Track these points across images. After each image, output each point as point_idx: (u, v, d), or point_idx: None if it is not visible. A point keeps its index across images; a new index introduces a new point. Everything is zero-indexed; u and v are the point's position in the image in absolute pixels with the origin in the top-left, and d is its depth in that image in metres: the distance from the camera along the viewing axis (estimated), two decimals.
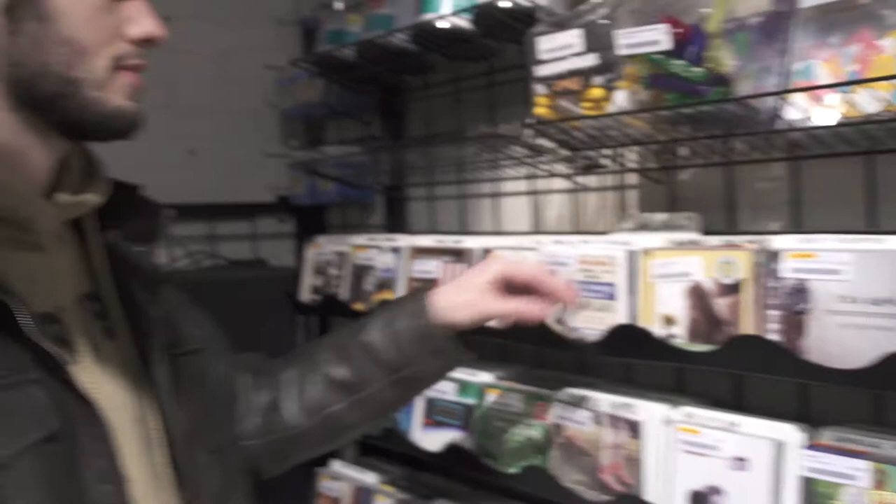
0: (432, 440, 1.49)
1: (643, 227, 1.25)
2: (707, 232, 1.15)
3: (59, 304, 0.77)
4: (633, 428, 1.15)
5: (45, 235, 0.78)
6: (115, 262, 0.85)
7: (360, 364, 1.05)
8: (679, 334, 1.07)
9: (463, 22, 1.34)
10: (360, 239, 1.71)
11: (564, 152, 1.31)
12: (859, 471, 0.91)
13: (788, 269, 0.97)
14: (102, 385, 0.78)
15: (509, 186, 1.60)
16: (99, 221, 0.84)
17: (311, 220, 2.10)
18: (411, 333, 1.05)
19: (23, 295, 0.70)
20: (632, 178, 1.35)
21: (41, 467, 0.69)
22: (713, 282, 1.04)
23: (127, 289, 0.85)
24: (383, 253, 1.61)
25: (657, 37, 0.98)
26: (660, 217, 1.18)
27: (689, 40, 0.97)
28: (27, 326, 0.70)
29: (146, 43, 0.76)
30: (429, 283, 1.49)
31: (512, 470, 1.31)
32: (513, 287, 1.05)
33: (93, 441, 0.74)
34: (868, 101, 0.89)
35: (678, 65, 0.98)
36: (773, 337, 0.98)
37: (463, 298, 1.05)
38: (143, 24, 0.75)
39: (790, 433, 1.00)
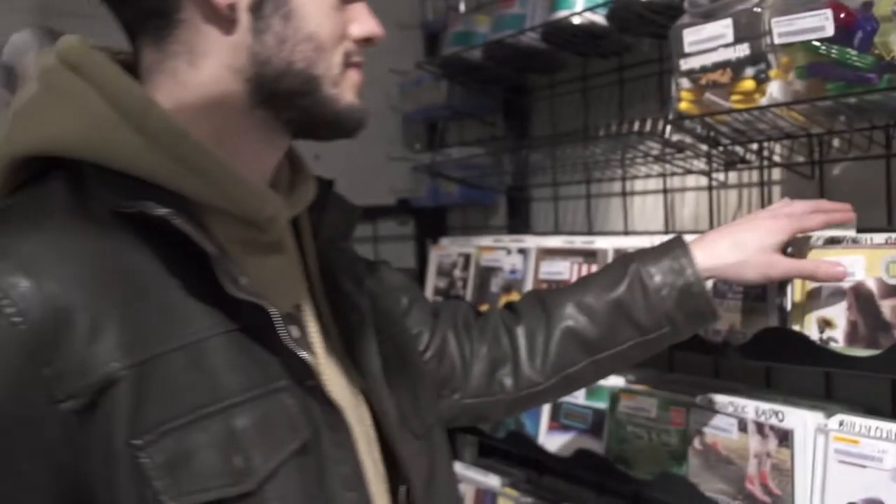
0: (557, 443, 1.46)
1: None
2: (862, 229, 1.09)
3: (294, 306, 0.78)
4: (783, 436, 1.09)
5: (279, 235, 0.78)
6: (321, 257, 0.85)
7: (611, 323, 1.01)
8: (837, 338, 1.01)
9: (598, 17, 1.32)
10: (486, 240, 1.70)
11: (703, 148, 1.26)
12: None
13: None
14: (336, 387, 0.78)
15: (639, 185, 1.56)
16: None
17: (431, 222, 2.11)
18: (670, 292, 0.99)
19: (272, 299, 0.70)
20: (776, 174, 1.30)
21: (297, 479, 0.69)
22: (877, 282, 0.98)
23: (333, 282, 0.85)
24: (510, 254, 1.60)
25: (820, 23, 0.93)
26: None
27: (856, 25, 0.92)
28: (283, 333, 0.70)
29: (366, 42, 0.77)
30: (558, 285, 1.47)
31: (646, 476, 1.27)
32: None
33: (335, 447, 0.73)
34: None
35: (843, 52, 0.93)
36: None
37: (744, 259, 0.99)
38: (367, 23, 0.77)
39: None
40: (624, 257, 1.06)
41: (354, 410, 0.79)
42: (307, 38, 0.72)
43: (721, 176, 1.36)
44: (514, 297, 1.54)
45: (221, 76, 0.71)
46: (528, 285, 1.53)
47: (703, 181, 1.40)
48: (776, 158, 1.25)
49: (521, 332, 1.04)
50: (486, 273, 1.64)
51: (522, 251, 1.57)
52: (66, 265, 0.63)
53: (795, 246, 1.05)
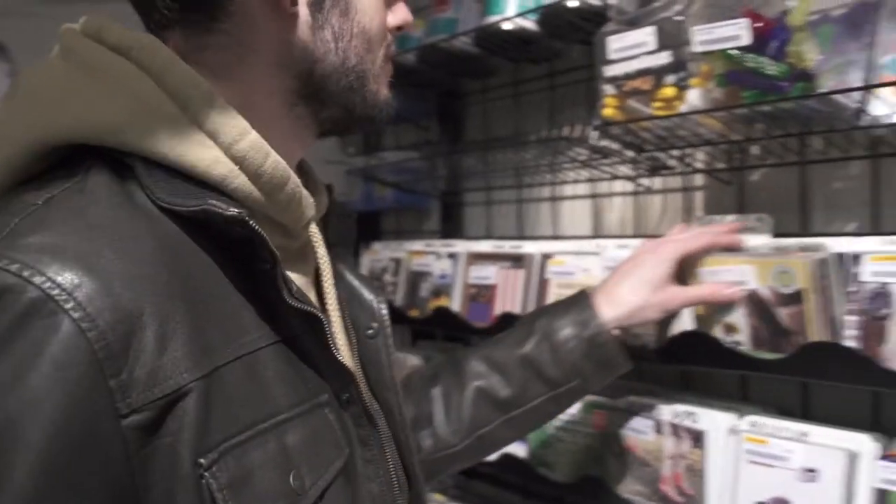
0: None
1: None
2: (779, 234, 1.12)
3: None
4: (696, 437, 1.11)
5: (304, 242, 0.76)
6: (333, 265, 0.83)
7: (521, 380, 1.02)
8: (743, 342, 1.04)
9: (528, 23, 1.33)
10: (416, 245, 1.70)
11: (629, 154, 1.28)
12: None
13: (868, 273, 0.93)
14: (368, 399, 0.76)
15: (568, 190, 1.58)
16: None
17: (365, 227, 2.10)
18: (578, 344, 1.01)
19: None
20: (698, 180, 1.32)
21: (341, 497, 0.67)
22: (770, 290, 1.00)
23: (349, 290, 0.83)
24: (440, 259, 1.60)
25: (737, 32, 0.95)
26: (729, 219, 1.14)
27: (771, 35, 0.94)
28: (333, 344, 0.68)
29: (399, 30, 0.76)
30: (486, 290, 1.47)
31: (567, 479, 1.28)
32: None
33: (365, 464, 0.72)
34: None
35: (756, 60, 0.96)
36: (851, 343, 0.94)
37: (642, 300, 1.01)
38: (402, 11, 0.76)
39: (864, 443, 0.96)
40: (532, 314, 1.09)
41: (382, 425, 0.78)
42: (361, 32, 0.71)
43: (646, 181, 1.39)
44: (444, 302, 1.55)
45: (270, 72, 0.69)
46: (458, 290, 1.54)
47: (630, 186, 1.42)
48: (698, 165, 1.28)
49: (436, 395, 1.04)
50: (416, 278, 1.64)
51: (452, 256, 1.57)
52: (132, 265, 0.57)
53: (689, 266, 1.07)
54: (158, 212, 0.61)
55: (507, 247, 1.47)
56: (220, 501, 0.57)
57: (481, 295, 1.48)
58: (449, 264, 1.57)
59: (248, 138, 0.65)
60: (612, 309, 1.02)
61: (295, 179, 0.69)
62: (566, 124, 1.37)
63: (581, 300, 1.04)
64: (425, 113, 1.87)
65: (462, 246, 1.57)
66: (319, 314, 0.67)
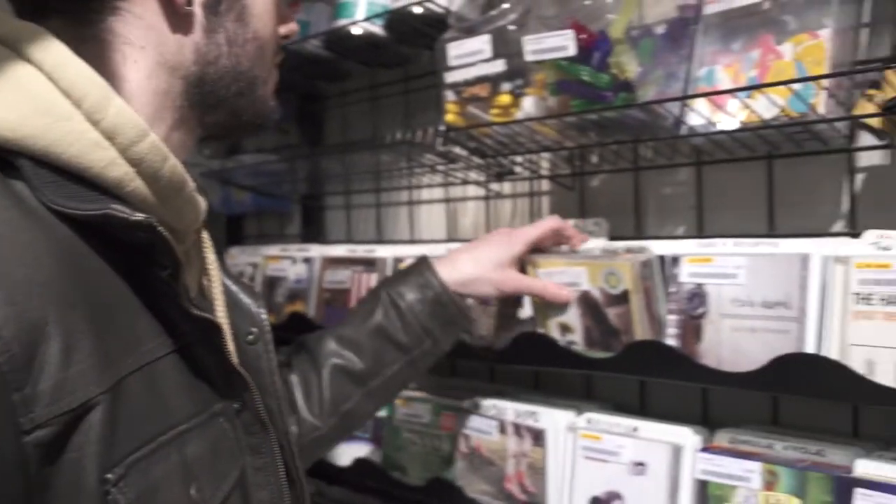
0: (343, 454, 1.46)
1: None
2: (614, 237, 1.16)
3: None
4: (537, 436, 1.14)
5: (188, 247, 0.73)
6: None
7: (374, 351, 1.03)
8: (577, 341, 1.07)
9: (376, 28, 1.33)
10: (273, 249, 1.67)
11: (478, 160, 1.31)
12: (751, 472, 0.92)
13: (686, 274, 0.98)
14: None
15: (425, 195, 1.59)
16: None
17: (227, 231, 2.05)
18: (423, 307, 1.03)
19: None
20: (545, 185, 1.36)
21: None
22: (600, 291, 1.04)
23: (230, 296, 0.81)
24: (295, 264, 1.58)
25: (563, 42, 0.99)
26: (570, 223, 1.18)
27: (595, 46, 0.98)
28: (229, 352, 0.66)
29: (285, 39, 0.75)
30: (341, 294, 1.47)
31: (418, 482, 1.29)
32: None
33: (255, 472, 0.70)
34: (765, 107, 0.91)
35: (583, 70, 0.99)
36: (671, 342, 0.99)
37: (480, 272, 1.05)
38: (291, 20, 0.75)
39: (687, 436, 1.01)
40: (374, 288, 1.10)
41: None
42: (254, 38, 0.70)
43: (496, 186, 1.42)
44: (299, 307, 1.53)
45: (157, 73, 0.66)
46: (313, 295, 1.52)
47: (482, 191, 1.45)
48: (543, 171, 1.31)
49: (294, 381, 1.03)
50: (272, 283, 1.61)
51: (307, 260, 1.55)
52: (33, 272, 0.52)
53: (530, 260, 1.11)
54: (50, 215, 0.57)
55: (361, 251, 1.47)
56: None
57: (336, 299, 1.47)
58: (304, 269, 1.55)
59: (148, 140, 0.62)
60: (450, 273, 1.05)
61: (191, 183, 0.68)
62: (420, 129, 1.38)
63: (420, 266, 1.07)
64: (285, 116, 1.84)
65: (317, 250, 1.56)
66: (218, 322, 0.66)
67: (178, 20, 0.66)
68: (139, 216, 0.59)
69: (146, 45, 0.65)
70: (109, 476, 0.54)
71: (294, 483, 0.78)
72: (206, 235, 0.78)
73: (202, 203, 0.72)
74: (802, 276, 0.89)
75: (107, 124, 0.59)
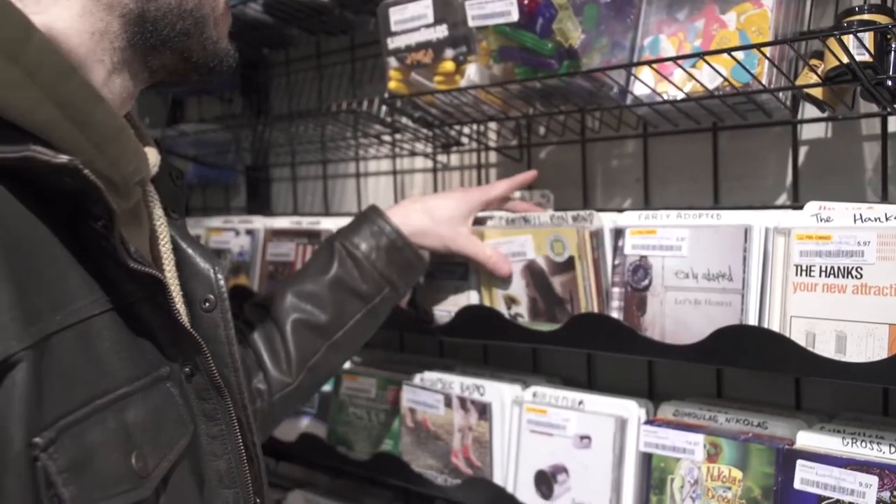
0: (289, 429, 1.43)
1: None
2: (561, 209, 1.15)
3: None
4: (482, 409, 1.13)
5: (135, 202, 0.68)
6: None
7: (335, 302, 1.02)
8: (522, 314, 1.06)
9: None
10: (216, 221, 1.63)
11: (425, 131, 1.28)
12: (694, 444, 0.92)
13: (630, 246, 0.97)
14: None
15: (372, 166, 1.56)
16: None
17: None
18: (379, 254, 1.03)
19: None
20: (493, 157, 1.34)
21: (188, 482, 0.62)
22: (545, 260, 1.03)
23: (181, 256, 0.76)
24: (238, 236, 1.54)
25: (506, 7, 0.96)
26: (516, 196, 1.16)
27: (538, 12, 0.95)
28: (176, 311, 0.62)
29: None
30: (284, 267, 1.43)
31: (364, 457, 1.27)
32: None
33: (210, 440, 0.67)
34: (709, 77, 0.90)
35: (527, 37, 0.97)
36: (615, 314, 0.98)
37: (431, 226, 1.05)
38: None
39: (632, 409, 1.01)
40: (327, 240, 1.08)
41: None
42: None
43: (444, 158, 1.39)
44: (242, 280, 1.49)
45: (91, 10, 0.61)
46: (257, 267, 1.49)
47: (430, 163, 1.42)
48: (490, 143, 1.29)
49: (257, 339, 1.00)
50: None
51: (251, 232, 1.52)
52: None
53: (476, 231, 1.10)
54: None
55: (305, 223, 1.44)
56: (60, 486, 0.50)
57: (279, 272, 1.44)
58: (247, 241, 1.51)
59: (75, 80, 0.58)
60: (403, 223, 1.05)
61: (129, 131, 0.63)
62: (367, 98, 1.35)
63: (371, 214, 1.07)
64: (228, 85, 1.79)
65: (260, 222, 1.52)
66: (161, 277, 0.62)
67: None
68: (63, 158, 0.54)
69: None
70: (38, 440, 0.50)
71: (252, 460, 0.75)
72: (151, 189, 0.73)
73: (149, 154, 0.68)
74: (744, 248, 0.88)
75: (27, 61, 0.55)
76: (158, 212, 0.74)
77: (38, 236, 0.55)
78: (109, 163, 0.62)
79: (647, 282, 0.95)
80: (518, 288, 1.05)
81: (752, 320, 0.87)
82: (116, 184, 0.64)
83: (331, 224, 1.40)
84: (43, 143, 0.55)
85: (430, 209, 1.06)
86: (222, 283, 0.76)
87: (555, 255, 1.01)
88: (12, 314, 0.50)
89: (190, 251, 0.77)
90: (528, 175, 1.14)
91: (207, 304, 0.75)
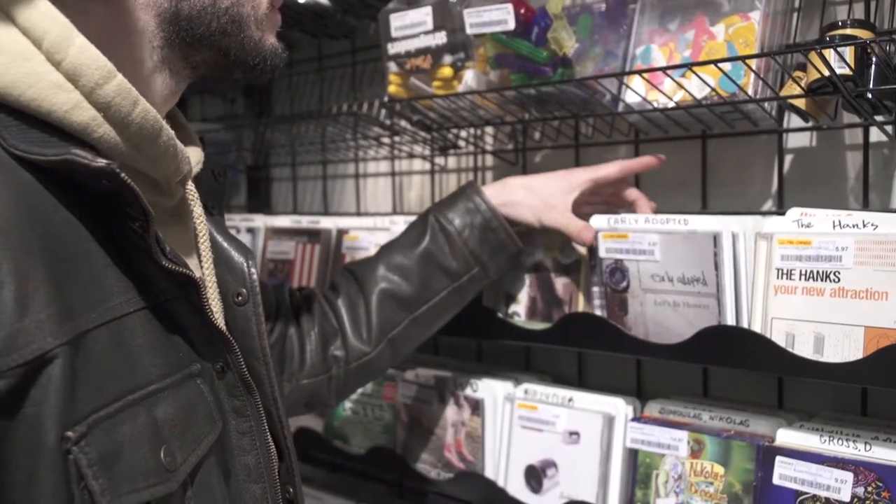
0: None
1: None
2: None
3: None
4: (475, 405, 1.16)
5: (178, 200, 0.69)
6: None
7: (423, 276, 1.01)
8: (520, 312, 1.09)
9: None
10: None
11: (423, 134, 1.31)
12: (678, 440, 0.96)
13: (604, 249, 1.00)
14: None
15: (371, 168, 1.59)
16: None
17: None
18: (472, 232, 1.02)
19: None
20: (489, 160, 1.37)
21: (215, 476, 0.63)
22: (553, 261, 1.06)
23: (220, 253, 0.78)
24: (239, 234, 1.58)
25: (503, 16, 0.99)
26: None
27: (534, 21, 0.99)
28: (209, 310, 0.63)
29: None
30: (284, 265, 1.47)
31: (360, 451, 1.30)
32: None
33: (239, 436, 0.68)
34: (698, 87, 0.93)
35: (522, 45, 1.00)
36: (598, 313, 1.01)
37: (526, 198, 1.03)
38: None
39: (619, 407, 1.04)
40: (422, 214, 1.07)
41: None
42: None
43: (442, 160, 1.42)
44: None
45: (129, 9, 0.62)
46: (257, 265, 1.52)
47: (428, 165, 1.45)
48: (487, 146, 1.32)
49: (342, 305, 1.02)
50: None
51: (251, 230, 1.55)
52: None
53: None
54: (11, 161, 0.55)
55: (306, 222, 1.47)
56: (90, 478, 0.52)
57: (280, 269, 1.47)
58: (248, 239, 1.55)
59: (114, 82, 0.58)
60: (498, 194, 1.04)
61: (168, 131, 0.64)
62: (367, 101, 1.38)
63: (468, 190, 1.05)
64: (231, 86, 1.82)
65: (261, 220, 1.55)
66: (195, 277, 0.63)
67: None
68: (101, 162, 0.56)
69: None
70: (70, 434, 0.52)
71: (282, 454, 0.76)
72: (191, 188, 0.74)
73: (192, 153, 0.69)
74: (714, 254, 0.91)
75: (68, 65, 0.56)
76: (198, 210, 0.75)
77: (76, 236, 0.57)
78: (150, 162, 0.63)
79: (625, 283, 0.98)
80: (520, 287, 1.09)
81: (730, 323, 0.90)
82: (159, 182, 0.66)
83: (330, 223, 1.43)
84: (83, 145, 0.57)
85: (530, 184, 1.05)
86: (255, 276, 0.78)
87: (563, 257, 1.04)
88: (49, 312, 0.52)
89: (226, 245, 0.78)
90: (646, 160, 1.06)
91: (240, 297, 0.76)
